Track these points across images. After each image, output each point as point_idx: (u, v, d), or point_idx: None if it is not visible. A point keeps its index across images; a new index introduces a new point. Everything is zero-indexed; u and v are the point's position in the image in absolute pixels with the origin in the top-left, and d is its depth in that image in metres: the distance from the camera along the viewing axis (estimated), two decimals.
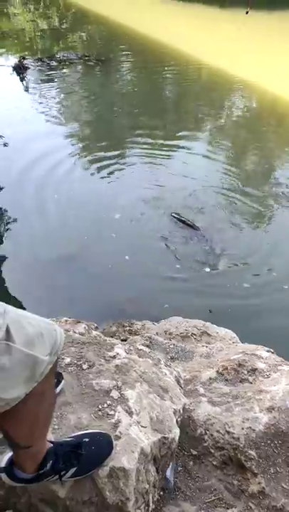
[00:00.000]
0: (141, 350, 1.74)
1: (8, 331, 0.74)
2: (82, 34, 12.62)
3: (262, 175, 5.84)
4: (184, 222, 4.59)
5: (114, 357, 1.57)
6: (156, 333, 2.80)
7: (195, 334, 2.76)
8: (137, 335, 2.72)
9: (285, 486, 1.41)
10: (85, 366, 1.49)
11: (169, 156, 6.18)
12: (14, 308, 0.81)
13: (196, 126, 7.26)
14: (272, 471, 1.43)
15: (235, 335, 2.69)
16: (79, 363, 1.50)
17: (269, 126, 7.41)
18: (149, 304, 3.71)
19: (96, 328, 2.45)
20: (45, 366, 0.81)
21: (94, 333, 1.76)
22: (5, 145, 5.24)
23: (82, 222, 4.61)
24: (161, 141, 6.67)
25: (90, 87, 8.44)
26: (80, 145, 6.31)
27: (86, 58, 9.68)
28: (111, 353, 1.59)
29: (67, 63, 9.33)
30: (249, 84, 8.95)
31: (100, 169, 5.68)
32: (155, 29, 12.15)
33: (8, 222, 4.54)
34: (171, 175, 5.61)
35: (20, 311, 0.81)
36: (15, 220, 4.56)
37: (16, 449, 0.96)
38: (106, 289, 3.85)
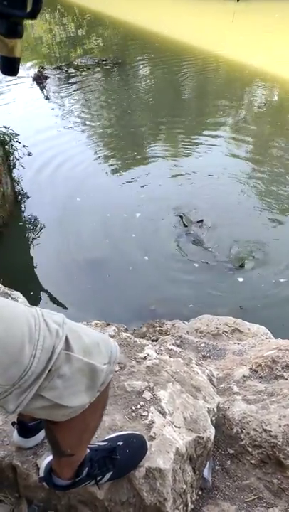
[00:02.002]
0: (171, 350, 1.73)
1: (67, 340, 0.76)
2: (99, 39, 12.72)
3: None
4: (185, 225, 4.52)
5: (145, 358, 1.58)
6: (187, 332, 2.79)
7: (226, 331, 2.73)
8: (168, 335, 2.71)
9: None
10: (116, 368, 1.50)
11: (190, 152, 6.16)
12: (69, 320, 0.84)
13: (217, 121, 7.19)
14: None
15: (267, 331, 2.64)
16: None
17: None
18: (177, 303, 3.70)
19: (126, 330, 2.46)
20: (104, 375, 0.83)
21: (124, 335, 1.77)
22: (29, 154, 5.36)
23: (104, 223, 4.65)
24: (182, 138, 6.64)
25: (108, 90, 8.51)
26: (101, 147, 6.38)
27: (103, 62, 9.75)
28: (142, 354, 1.60)
29: (85, 69, 9.44)
30: (268, 74, 8.78)
31: (121, 170, 5.74)
32: (169, 27, 12.09)
33: (41, 229, 4.63)
34: (193, 171, 5.58)
35: (74, 322, 0.84)
36: (43, 227, 4.65)
37: (59, 455, 0.97)
38: (129, 291, 3.86)
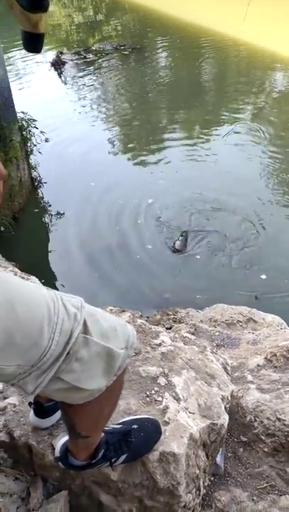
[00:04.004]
0: (186, 337, 1.73)
1: (85, 324, 0.77)
2: (117, 24, 12.55)
3: None
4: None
5: (159, 344, 1.58)
6: (201, 321, 2.79)
7: (240, 321, 2.72)
8: (182, 323, 2.72)
9: None
10: (132, 353, 1.50)
11: (208, 138, 6.07)
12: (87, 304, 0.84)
13: (237, 107, 7.04)
14: None
15: (283, 321, 2.62)
16: None
17: None
18: (190, 292, 3.69)
19: (140, 317, 2.47)
20: (121, 359, 0.84)
21: (139, 321, 1.78)
22: (46, 140, 5.35)
23: (116, 208, 4.65)
24: (200, 124, 6.56)
25: (127, 75, 8.41)
26: (118, 133, 6.35)
27: (122, 48, 9.63)
28: (156, 341, 1.60)
29: (103, 54, 9.34)
30: None
31: (138, 155, 5.72)
32: (189, 12, 11.83)
33: (55, 215, 4.66)
34: (210, 158, 5.51)
35: (92, 306, 0.84)
36: (58, 214, 4.67)
37: (75, 438, 0.99)
38: (139, 279, 3.86)
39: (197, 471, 1.23)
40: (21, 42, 0.87)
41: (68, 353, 0.74)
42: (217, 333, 2.32)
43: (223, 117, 6.75)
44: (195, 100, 7.41)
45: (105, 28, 12.05)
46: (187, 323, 2.42)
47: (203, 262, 3.99)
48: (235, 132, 6.19)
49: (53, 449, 1.19)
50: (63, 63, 8.83)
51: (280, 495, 1.35)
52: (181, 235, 4.19)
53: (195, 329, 2.28)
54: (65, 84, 8.13)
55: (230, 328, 2.62)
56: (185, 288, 3.76)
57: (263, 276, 3.79)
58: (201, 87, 8.00)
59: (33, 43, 0.77)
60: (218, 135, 6.15)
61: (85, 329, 0.77)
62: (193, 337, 1.76)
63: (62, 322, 0.73)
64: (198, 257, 4.03)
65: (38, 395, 1.08)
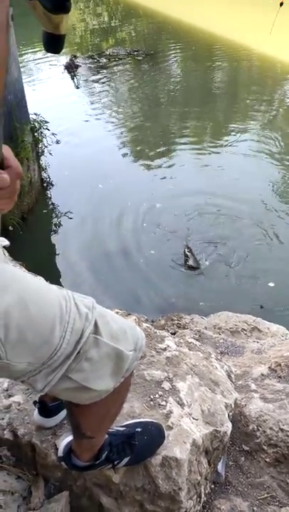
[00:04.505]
0: (191, 343, 1.73)
1: (96, 324, 0.77)
2: (131, 29, 12.65)
3: None
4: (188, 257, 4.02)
5: (164, 349, 1.58)
6: (205, 328, 2.78)
7: (245, 329, 2.71)
8: (186, 329, 2.71)
9: None
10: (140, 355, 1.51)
11: (219, 145, 6.09)
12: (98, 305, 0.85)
13: (247, 115, 7.06)
14: None
15: (288, 331, 2.62)
16: None
17: None
18: (195, 298, 3.68)
19: (146, 321, 2.47)
20: (130, 361, 0.84)
21: (144, 325, 1.78)
22: (57, 142, 5.40)
23: (123, 211, 4.67)
24: (211, 131, 6.58)
25: (139, 80, 8.47)
26: (129, 137, 6.39)
27: (135, 53, 9.70)
28: (162, 345, 1.60)
29: (116, 59, 9.41)
30: None
31: (147, 160, 5.75)
32: (204, 20, 11.89)
33: (61, 216, 4.68)
34: (220, 165, 5.52)
35: (103, 308, 0.85)
36: (66, 215, 4.69)
37: (80, 438, 1.00)
38: (144, 284, 3.86)
39: (199, 478, 1.22)
40: (42, 42, 0.89)
41: (79, 352, 0.74)
42: (221, 341, 2.32)
43: (233, 124, 6.77)
44: (206, 106, 7.44)
45: (119, 33, 12.15)
46: (192, 329, 2.42)
47: (209, 269, 3.99)
48: (244, 133, 6.20)
49: (56, 448, 1.20)
50: (76, 66, 8.90)
51: (281, 506, 1.35)
52: (188, 251, 4.06)
53: (199, 335, 2.28)
54: (78, 87, 8.20)
55: (234, 336, 2.62)
56: (190, 294, 3.76)
57: (271, 284, 3.77)
58: (212, 94, 8.03)
59: (54, 43, 0.80)
60: (228, 141, 6.17)
61: (96, 330, 0.77)
62: (198, 343, 1.76)
63: (73, 321, 0.74)
64: (207, 263, 4.03)
65: (44, 394, 1.09)
